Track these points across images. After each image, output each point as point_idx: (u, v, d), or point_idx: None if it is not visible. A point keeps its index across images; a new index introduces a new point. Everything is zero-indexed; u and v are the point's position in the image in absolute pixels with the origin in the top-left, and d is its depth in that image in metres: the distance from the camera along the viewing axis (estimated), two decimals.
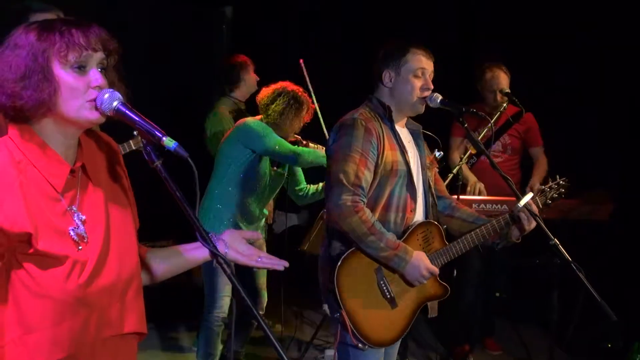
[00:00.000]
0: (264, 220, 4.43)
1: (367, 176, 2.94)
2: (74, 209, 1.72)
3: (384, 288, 2.99)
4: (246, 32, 6.81)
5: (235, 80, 5.03)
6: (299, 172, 4.43)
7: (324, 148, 4.28)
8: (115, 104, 1.68)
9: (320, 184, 4.39)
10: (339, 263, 2.93)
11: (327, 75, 6.48)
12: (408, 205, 3.06)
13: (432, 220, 3.14)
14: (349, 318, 2.92)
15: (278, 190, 4.41)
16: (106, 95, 1.67)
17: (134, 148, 3.84)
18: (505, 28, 5.76)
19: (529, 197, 3.04)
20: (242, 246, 1.97)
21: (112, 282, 1.75)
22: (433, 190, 3.23)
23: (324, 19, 6.72)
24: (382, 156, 2.97)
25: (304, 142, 4.29)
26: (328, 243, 3.07)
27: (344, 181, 2.89)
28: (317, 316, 5.43)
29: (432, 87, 3.03)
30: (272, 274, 4.89)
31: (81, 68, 1.66)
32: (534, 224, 3.01)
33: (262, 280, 4.41)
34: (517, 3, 5.72)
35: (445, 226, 3.22)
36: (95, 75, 1.68)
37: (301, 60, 4.62)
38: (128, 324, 1.80)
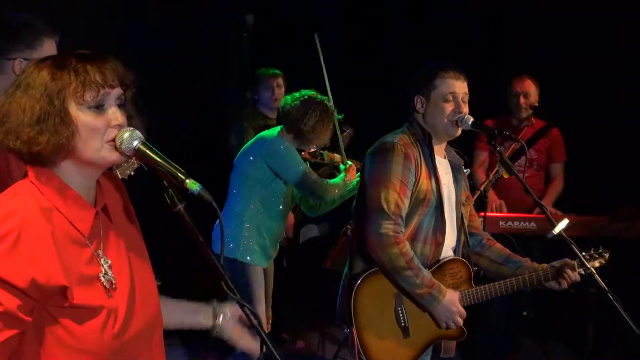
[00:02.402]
0: None
1: (405, 205, 2.86)
2: (100, 253, 1.63)
3: (400, 315, 2.92)
4: (267, 41, 6.73)
5: (255, 93, 4.97)
6: None
7: (341, 159, 4.14)
8: (135, 143, 1.58)
9: None
10: (358, 281, 2.88)
11: (349, 83, 6.45)
12: (436, 238, 2.97)
13: (462, 259, 3.05)
14: (358, 337, 2.86)
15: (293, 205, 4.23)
16: (126, 135, 1.58)
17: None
18: (533, 38, 5.63)
19: (564, 223, 2.94)
20: (235, 325, 1.96)
21: (141, 329, 1.66)
22: (466, 227, 3.12)
23: (345, 26, 6.64)
24: (418, 184, 2.90)
25: (322, 152, 4.13)
26: (350, 261, 3.03)
27: (386, 209, 2.81)
28: (339, 333, 5.31)
29: (464, 110, 2.94)
30: (294, 290, 4.83)
31: (99, 107, 1.56)
32: (574, 279, 2.94)
33: (270, 303, 4.20)
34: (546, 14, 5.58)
35: (475, 268, 3.12)
36: (114, 114, 1.59)
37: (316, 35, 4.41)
38: None
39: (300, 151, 4.00)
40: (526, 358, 5.12)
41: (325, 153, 4.12)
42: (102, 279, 1.59)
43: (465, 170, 3.80)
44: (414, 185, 2.89)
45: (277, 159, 3.82)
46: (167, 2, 5.97)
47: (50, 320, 1.53)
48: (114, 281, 1.62)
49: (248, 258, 3.82)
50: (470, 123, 2.93)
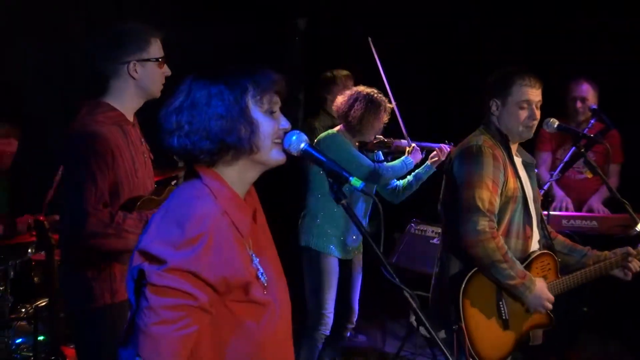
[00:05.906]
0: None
1: (497, 203, 3.03)
2: (251, 252, 1.77)
3: (502, 309, 3.07)
4: (319, 44, 6.87)
5: (324, 95, 5.13)
6: None
7: (406, 147, 4.30)
8: (302, 145, 1.77)
9: (409, 177, 4.35)
10: (466, 279, 3.01)
11: (400, 87, 6.56)
12: (526, 232, 3.14)
13: (549, 252, 3.22)
14: (466, 333, 2.99)
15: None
16: (294, 137, 1.76)
17: None
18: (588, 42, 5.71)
19: None
20: None
21: (286, 322, 1.83)
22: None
23: (397, 30, 6.75)
24: (506, 182, 3.06)
25: (387, 140, 4.32)
26: (444, 262, 3.18)
27: (481, 207, 2.97)
28: (401, 328, 5.46)
29: (537, 117, 3.11)
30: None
31: (272, 112, 1.75)
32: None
33: (356, 295, 4.46)
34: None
35: (560, 259, 3.29)
36: (283, 119, 1.77)
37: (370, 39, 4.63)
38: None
39: (365, 143, 4.26)
40: (585, 354, 5.19)
41: (390, 140, 4.32)
42: (261, 277, 1.75)
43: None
44: (503, 184, 3.05)
45: (330, 153, 4.01)
46: (219, 5, 6.10)
47: (226, 315, 1.69)
48: (266, 278, 1.77)
49: (322, 247, 4.14)
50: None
